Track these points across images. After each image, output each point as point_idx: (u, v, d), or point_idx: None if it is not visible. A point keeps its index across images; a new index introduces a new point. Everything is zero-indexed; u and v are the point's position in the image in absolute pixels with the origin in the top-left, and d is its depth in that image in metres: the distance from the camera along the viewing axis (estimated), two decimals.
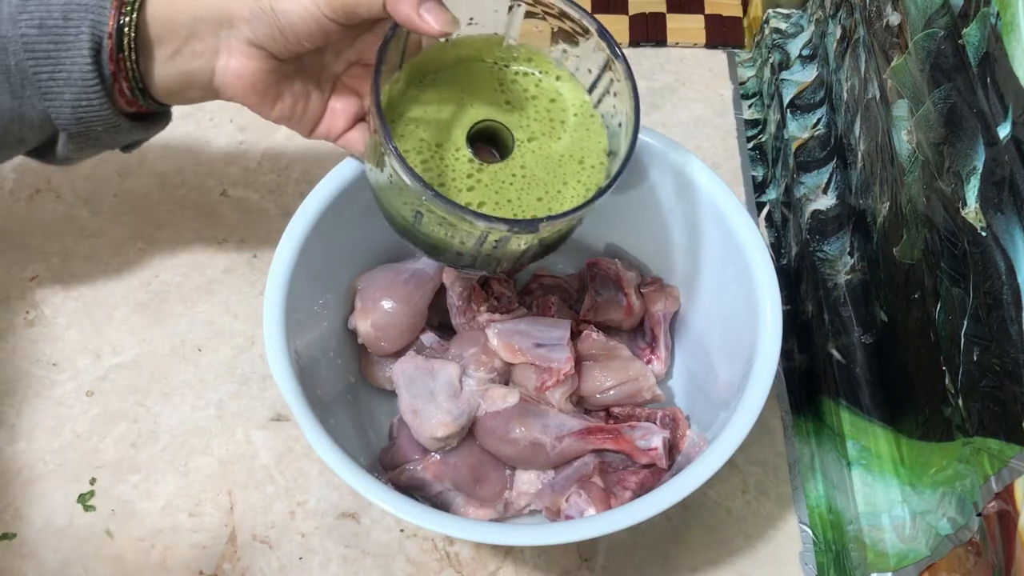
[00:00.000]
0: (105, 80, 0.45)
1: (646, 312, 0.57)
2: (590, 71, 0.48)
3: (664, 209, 0.55)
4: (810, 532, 0.56)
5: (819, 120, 0.67)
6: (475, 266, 0.48)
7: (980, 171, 0.42)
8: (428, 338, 0.56)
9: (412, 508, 0.44)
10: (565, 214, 0.44)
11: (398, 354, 0.55)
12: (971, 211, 0.43)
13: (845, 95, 0.63)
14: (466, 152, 0.47)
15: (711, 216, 0.52)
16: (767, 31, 0.73)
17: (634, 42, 0.77)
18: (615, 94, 0.47)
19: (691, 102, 0.74)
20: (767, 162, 0.71)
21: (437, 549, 0.55)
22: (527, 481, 0.53)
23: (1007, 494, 0.40)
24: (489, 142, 0.49)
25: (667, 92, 0.74)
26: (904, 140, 0.51)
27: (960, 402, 0.44)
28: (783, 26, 0.73)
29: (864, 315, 0.57)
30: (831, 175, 0.64)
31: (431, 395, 0.51)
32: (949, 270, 0.45)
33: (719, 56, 0.77)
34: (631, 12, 0.78)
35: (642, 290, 0.58)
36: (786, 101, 0.68)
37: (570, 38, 0.47)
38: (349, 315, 0.55)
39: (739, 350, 0.50)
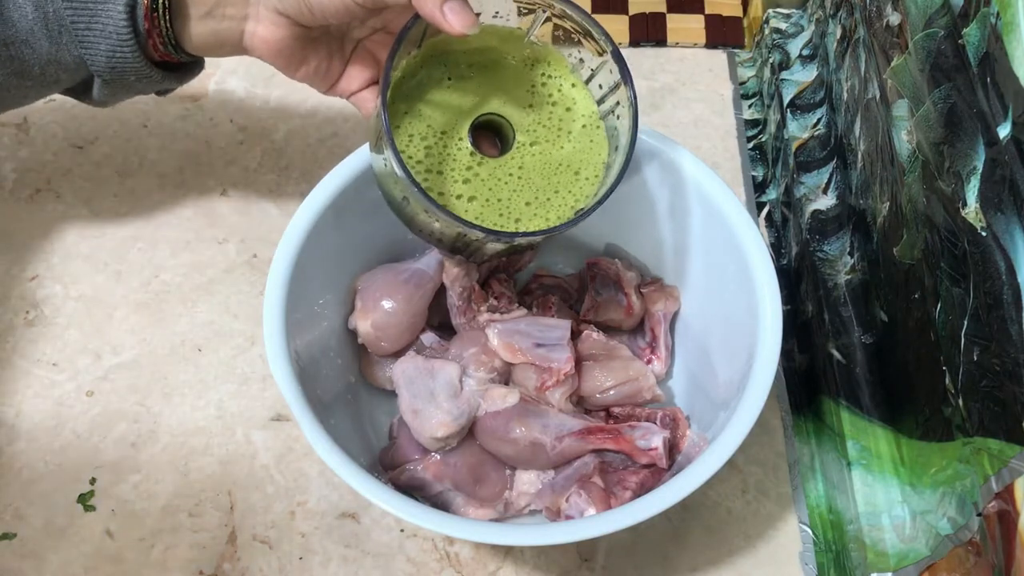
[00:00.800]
0: (139, 35, 0.47)
1: (646, 312, 0.57)
2: (600, 87, 0.48)
3: (664, 209, 0.55)
4: (810, 532, 0.56)
5: (819, 120, 0.67)
6: (453, 252, 0.50)
7: (980, 171, 0.42)
8: (428, 338, 0.56)
9: (412, 508, 0.44)
10: (541, 232, 0.46)
11: (398, 354, 0.55)
12: (971, 211, 0.43)
13: (845, 95, 0.63)
14: (467, 143, 0.47)
15: (711, 216, 0.52)
16: (767, 31, 0.73)
17: (634, 42, 0.77)
18: (618, 116, 0.47)
19: (691, 102, 0.74)
20: (767, 162, 0.71)
21: (437, 549, 0.55)
22: (527, 481, 0.53)
23: (1007, 494, 0.40)
24: (494, 133, 0.49)
25: (667, 92, 0.74)
26: (904, 140, 0.51)
27: (960, 402, 0.44)
28: (783, 26, 0.73)
29: (864, 315, 0.57)
30: (831, 175, 0.64)
31: (431, 395, 0.51)
32: (949, 270, 0.45)
33: (719, 56, 0.77)
34: (631, 12, 0.78)
35: (642, 290, 0.58)
36: (786, 101, 0.68)
37: (588, 52, 0.48)
38: (349, 315, 0.55)
39: (739, 350, 0.50)
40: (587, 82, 0.49)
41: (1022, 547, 0.39)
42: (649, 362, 0.57)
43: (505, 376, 0.54)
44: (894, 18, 0.53)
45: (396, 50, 0.44)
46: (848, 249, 0.60)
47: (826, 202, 0.63)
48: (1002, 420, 0.40)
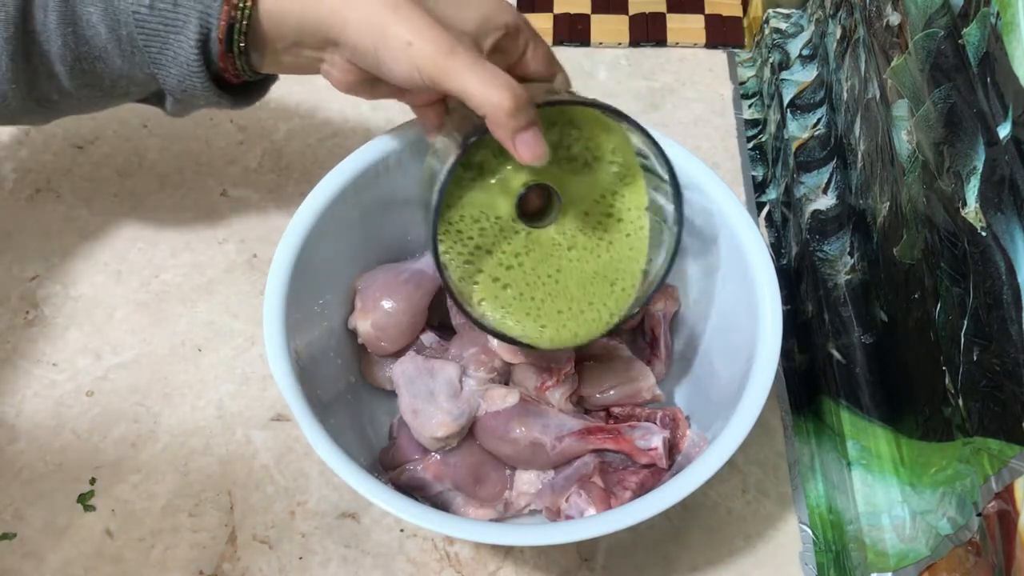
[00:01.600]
0: (212, 65, 0.47)
1: (646, 312, 0.57)
2: (659, 207, 0.48)
3: None
4: (810, 532, 0.56)
5: (819, 120, 0.67)
6: None
7: (980, 171, 0.42)
8: (428, 338, 0.56)
9: (412, 508, 0.44)
10: (562, 348, 0.48)
11: (398, 354, 0.55)
12: (971, 211, 0.43)
13: (845, 95, 0.63)
14: (523, 229, 0.47)
15: (711, 216, 0.52)
16: (767, 31, 0.73)
17: (634, 42, 0.77)
18: (663, 244, 0.48)
19: (691, 102, 0.74)
20: (767, 162, 0.71)
21: (437, 549, 0.55)
22: (527, 481, 0.53)
23: (1007, 494, 0.40)
24: (544, 192, 0.48)
25: (667, 92, 0.74)
26: (904, 140, 0.51)
27: (960, 402, 0.44)
28: (783, 26, 0.73)
29: (864, 315, 0.57)
30: (831, 175, 0.64)
31: (431, 395, 0.51)
32: (949, 270, 0.45)
33: (719, 56, 0.77)
34: (631, 12, 0.78)
35: None
36: (786, 101, 0.68)
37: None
38: (349, 315, 0.55)
39: (739, 350, 0.50)
40: (651, 198, 0.48)
41: (1022, 547, 0.39)
42: (649, 362, 0.57)
43: (505, 376, 0.54)
44: (894, 18, 0.53)
45: (446, 186, 0.43)
46: (848, 249, 0.60)
47: (826, 202, 0.63)
48: (1002, 420, 0.40)
